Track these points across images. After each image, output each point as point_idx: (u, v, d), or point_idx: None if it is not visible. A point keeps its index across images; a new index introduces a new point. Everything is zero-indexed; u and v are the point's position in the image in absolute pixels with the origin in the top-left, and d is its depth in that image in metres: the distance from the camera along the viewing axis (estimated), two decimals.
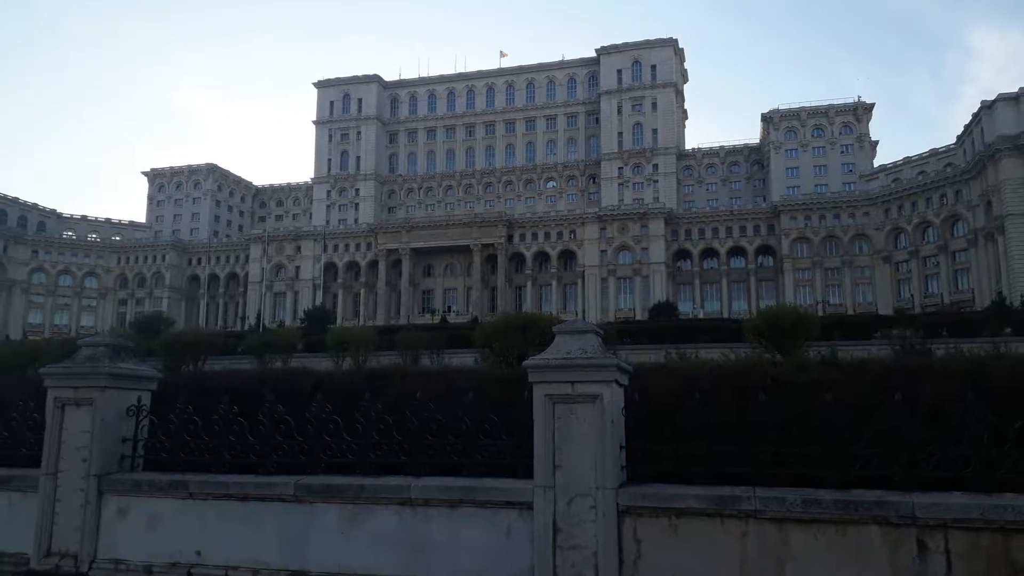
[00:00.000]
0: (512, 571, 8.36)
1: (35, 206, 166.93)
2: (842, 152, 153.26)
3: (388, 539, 8.84)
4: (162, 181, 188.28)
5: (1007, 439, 7.34)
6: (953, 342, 31.40)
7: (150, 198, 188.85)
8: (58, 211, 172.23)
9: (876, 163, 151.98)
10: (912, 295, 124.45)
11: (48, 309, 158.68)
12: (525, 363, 8.87)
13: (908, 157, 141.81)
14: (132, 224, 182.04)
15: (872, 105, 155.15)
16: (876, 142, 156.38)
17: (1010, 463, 7.31)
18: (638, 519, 8.07)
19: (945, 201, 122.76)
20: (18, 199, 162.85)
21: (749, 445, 8.15)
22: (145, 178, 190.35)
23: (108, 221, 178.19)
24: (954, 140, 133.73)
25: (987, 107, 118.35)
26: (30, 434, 10.68)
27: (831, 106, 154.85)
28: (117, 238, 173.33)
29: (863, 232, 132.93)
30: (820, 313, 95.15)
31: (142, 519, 9.74)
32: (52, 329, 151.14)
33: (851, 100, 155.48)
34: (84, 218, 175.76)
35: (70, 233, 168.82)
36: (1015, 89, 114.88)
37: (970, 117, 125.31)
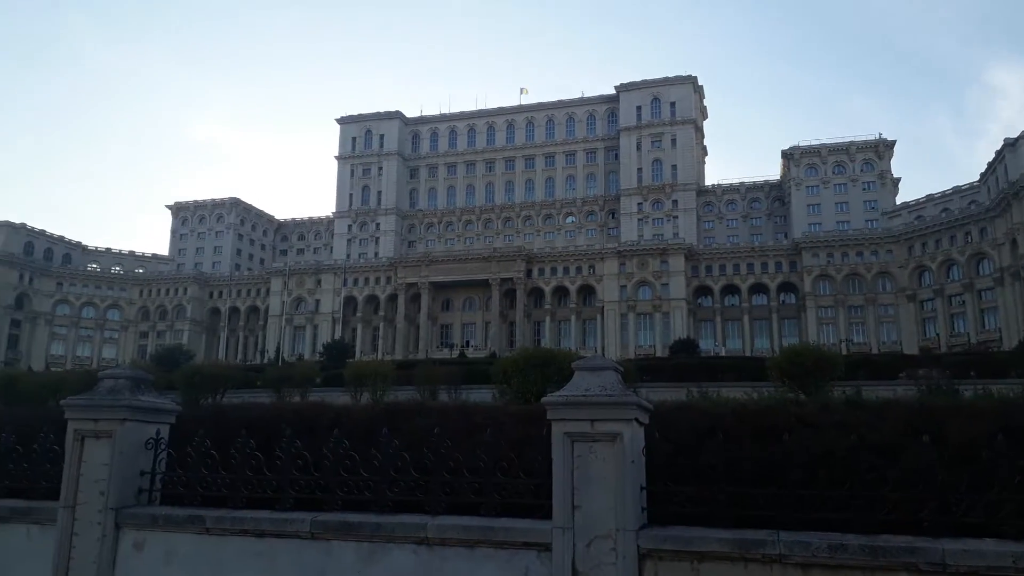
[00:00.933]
0: None
1: (61, 239, 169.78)
2: (864, 189, 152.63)
3: None
4: (185, 215, 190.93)
5: None
6: (981, 383, 30.79)
7: (173, 231, 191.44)
8: (83, 244, 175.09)
9: (898, 200, 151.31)
10: (938, 334, 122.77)
11: (71, 341, 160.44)
12: (544, 400, 8.78)
13: (931, 194, 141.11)
14: (155, 257, 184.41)
15: (893, 142, 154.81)
16: (898, 179, 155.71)
17: None
18: (659, 562, 7.90)
19: (970, 239, 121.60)
20: (44, 232, 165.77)
21: (773, 487, 7.99)
22: (169, 212, 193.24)
23: (132, 254, 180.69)
24: (977, 178, 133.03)
25: (1010, 144, 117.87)
26: (50, 466, 10.70)
27: (852, 143, 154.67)
28: (140, 271, 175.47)
29: (886, 270, 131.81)
30: (844, 352, 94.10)
31: (158, 553, 9.68)
32: (74, 360, 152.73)
33: (872, 137, 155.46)
34: (108, 251, 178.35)
35: (94, 265, 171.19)
36: None
37: (993, 155, 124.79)
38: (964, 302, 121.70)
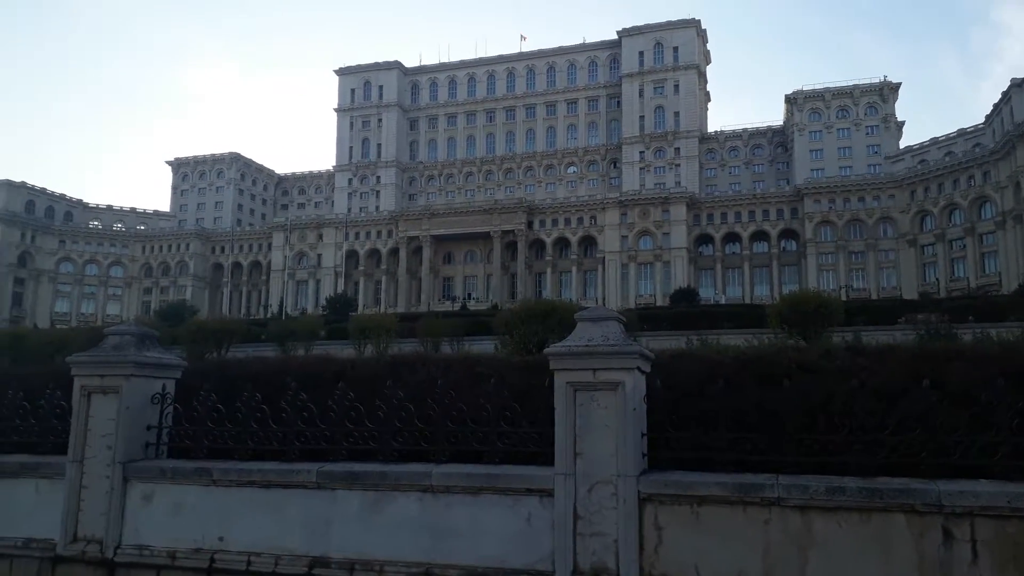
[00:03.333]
0: (532, 558, 8.36)
1: (62, 196, 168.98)
2: (867, 133, 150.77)
3: (409, 525, 8.88)
4: (186, 170, 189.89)
5: None
6: (980, 327, 30.88)
7: (174, 187, 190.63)
8: (84, 201, 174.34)
9: (902, 144, 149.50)
10: (938, 279, 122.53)
11: (75, 298, 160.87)
12: (547, 350, 8.84)
13: (935, 138, 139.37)
14: (157, 213, 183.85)
15: (898, 85, 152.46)
16: (902, 123, 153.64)
17: None
18: (659, 506, 8.04)
19: (973, 183, 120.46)
20: (45, 189, 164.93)
21: (773, 432, 8.08)
22: (169, 168, 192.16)
23: (133, 210, 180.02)
24: (982, 120, 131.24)
25: (1016, 85, 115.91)
26: (56, 422, 10.83)
27: (856, 86, 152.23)
28: (142, 227, 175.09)
29: (888, 215, 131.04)
30: (844, 298, 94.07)
31: (166, 505, 9.86)
32: (79, 318, 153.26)
33: (877, 80, 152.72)
34: (109, 208, 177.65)
35: (96, 223, 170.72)
36: None
37: (999, 96, 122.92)
38: (965, 246, 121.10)
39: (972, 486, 7.16)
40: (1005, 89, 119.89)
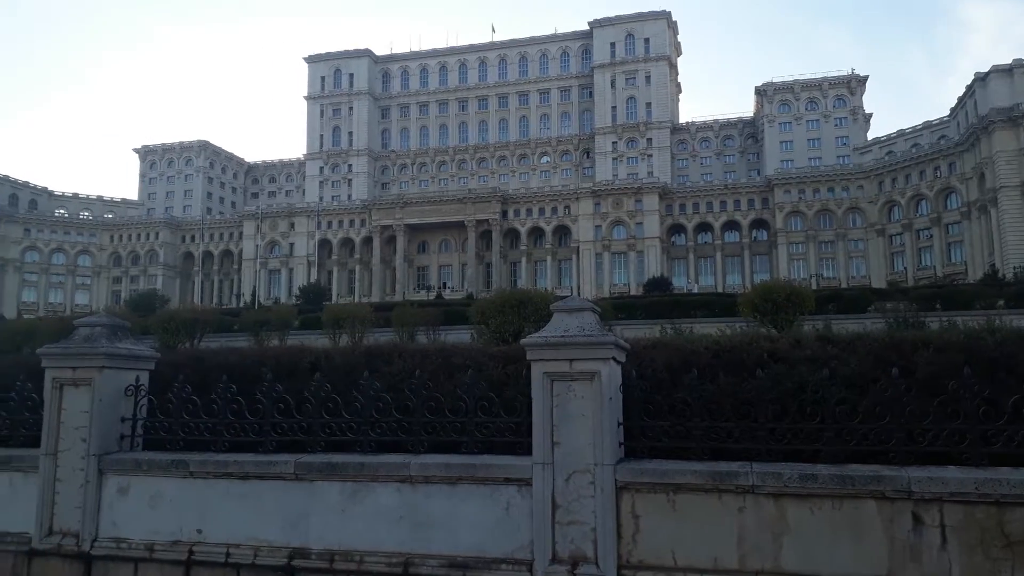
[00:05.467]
0: (511, 547, 8.44)
1: (26, 184, 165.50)
2: (836, 125, 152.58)
3: (388, 516, 8.91)
4: (153, 158, 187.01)
5: (1003, 413, 7.38)
6: (947, 315, 31.45)
7: (142, 175, 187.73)
8: (49, 189, 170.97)
9: (870, 136, 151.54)
10: (905, 268, 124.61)
11: (42, 287, 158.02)
12: (523, 341, 8.89)
13: (902, 130, 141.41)
14: (124, 202, 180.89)
15: (866, 78, 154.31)
16: (870, 115, 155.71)
17: (1005, 437, 7.36)
18: (636, 495, 8.14)
19: (939, 174, 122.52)
20: (8, 177, 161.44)
21: (746, 421, 8.21)
22: (136, 155, 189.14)
23: (100, 199, 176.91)
24: (947, 113, 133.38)
25: (980, 79, 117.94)
26: (28, 414, 10.70)
27: (825, 79, 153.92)
28: (109, 216, 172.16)
29: (857, 205, 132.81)
30: (814, 287, 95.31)
31: (143, 498, 9.80)
32: (47, 307, 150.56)
33: (845, 73, 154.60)
34: (76, 196, 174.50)
35: (62, 211, 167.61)
36: (1009, 61, 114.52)
37: (964, 89, 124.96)
38: (932, 236, 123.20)
39: (941, 472, 7.33)
40: (969, 83, 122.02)
